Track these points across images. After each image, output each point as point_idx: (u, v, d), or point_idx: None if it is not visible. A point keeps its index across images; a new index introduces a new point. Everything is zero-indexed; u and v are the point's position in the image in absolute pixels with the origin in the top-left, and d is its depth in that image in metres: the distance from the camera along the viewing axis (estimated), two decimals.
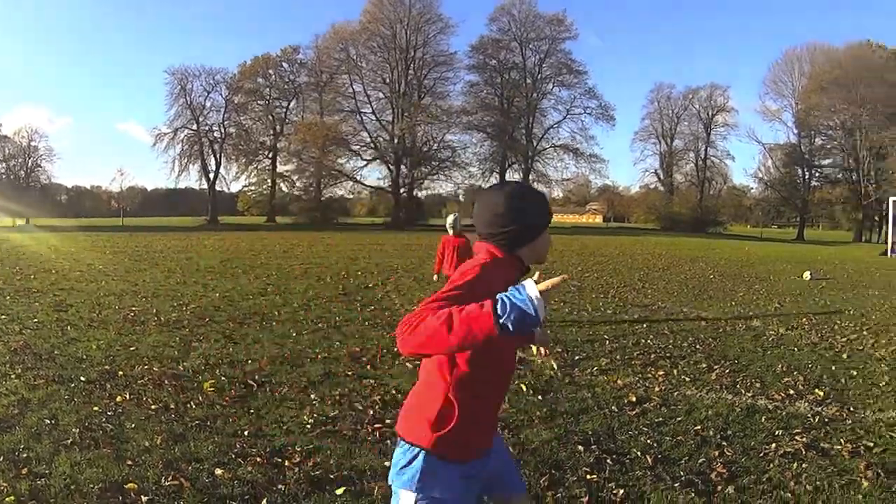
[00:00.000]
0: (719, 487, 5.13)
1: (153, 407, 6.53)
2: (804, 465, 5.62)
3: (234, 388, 7.26)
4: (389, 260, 24.20)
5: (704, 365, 9.22)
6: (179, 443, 5.58)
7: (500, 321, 2.00)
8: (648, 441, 6.08)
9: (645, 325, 12.22)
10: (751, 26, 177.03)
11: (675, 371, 8.82)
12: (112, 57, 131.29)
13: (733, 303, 15.66)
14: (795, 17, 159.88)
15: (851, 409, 7.36)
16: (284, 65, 79.04)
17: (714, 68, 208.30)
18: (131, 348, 9.17)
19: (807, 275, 22.10)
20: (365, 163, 74.63)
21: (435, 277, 11.47)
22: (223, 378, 7.66)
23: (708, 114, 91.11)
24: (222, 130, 76.81)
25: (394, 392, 7.33)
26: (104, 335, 10.03)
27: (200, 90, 76.01)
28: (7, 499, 4.44)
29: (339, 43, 72.74)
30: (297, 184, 76.75)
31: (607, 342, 10.55)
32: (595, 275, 19.29)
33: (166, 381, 7.43)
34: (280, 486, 4.76)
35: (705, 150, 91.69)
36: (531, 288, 2.04)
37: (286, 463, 5.19)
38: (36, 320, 11.19)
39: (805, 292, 18.17)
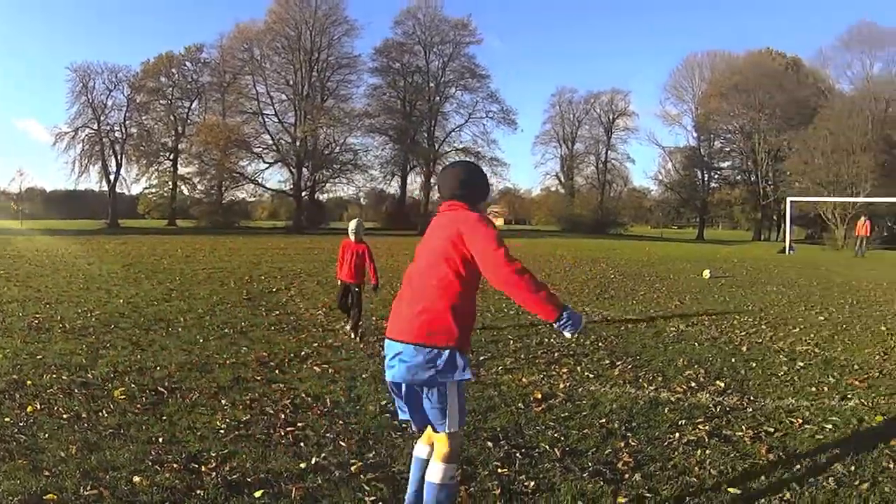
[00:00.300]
0: (626, 475, 5.47)
1: (65, 416, 6.46)
2: (708, 452, 6.02)
3: (144, 396, 7.24)
4: (292, 264, 24.06)
5: (607, 361, 9.63)
6: (95, 452, 5.56)
7: (559, 322, 3.71)
8: (556, 435, 6.39)
9: (548, 326, 12.49)
10: (654, 33, 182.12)
11: (578, 368, 9.20)
12: (11, 49, 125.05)
13: (634, 301, 16.26)
14: (698, 25, 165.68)
15: (751, 398, 7.89)
16: (188, 64, 77.30)
17: (616, 74, 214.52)
18: (38, 357, 8.96)
19: (706, 273, 23.02)
20: (267, 165, 73.77)
21: (339, 282, 11.51)
22: (133, 385, 7.61)
23: (609, 118, 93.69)
24: (123, 130, 74.43)
25: (304, 395, 7.46)
26: (9, 343, 9.76)
27: (102, 88, 73.47)
28: None
29: (243, 43, 71.66)
30: (199, 186, 75.09)
31: (511, 342, 10.91)
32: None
33: (76, 390, 7.35)
34: (199, 492, 4.84)
35: (606, 153, 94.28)
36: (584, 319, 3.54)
37: (203, 468, 5.27)
38: None
39: (705, 290, 18.99)
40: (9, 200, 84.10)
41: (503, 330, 12.00)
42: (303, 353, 9.70)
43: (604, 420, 6.87)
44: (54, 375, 7.99)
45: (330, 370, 8.70)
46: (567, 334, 3.80)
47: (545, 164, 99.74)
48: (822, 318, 14.23)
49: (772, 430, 6.65)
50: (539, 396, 7.67)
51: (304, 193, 72.92)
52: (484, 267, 3.69)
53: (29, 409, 6.64)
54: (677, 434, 6.48)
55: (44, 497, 4.68)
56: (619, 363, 9.51)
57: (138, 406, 6.84)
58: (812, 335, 12.11)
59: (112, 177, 75.62)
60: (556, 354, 10.04)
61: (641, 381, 8.59)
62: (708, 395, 7.97)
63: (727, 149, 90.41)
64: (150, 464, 5.34)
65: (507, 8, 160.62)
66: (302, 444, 5.93)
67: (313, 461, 5.51)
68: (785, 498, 5.07)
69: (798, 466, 5.70)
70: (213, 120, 71.78)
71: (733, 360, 9.92)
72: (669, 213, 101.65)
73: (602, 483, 5.28)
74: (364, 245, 11.28)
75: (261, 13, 74.19)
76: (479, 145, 78.98)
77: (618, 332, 12.04)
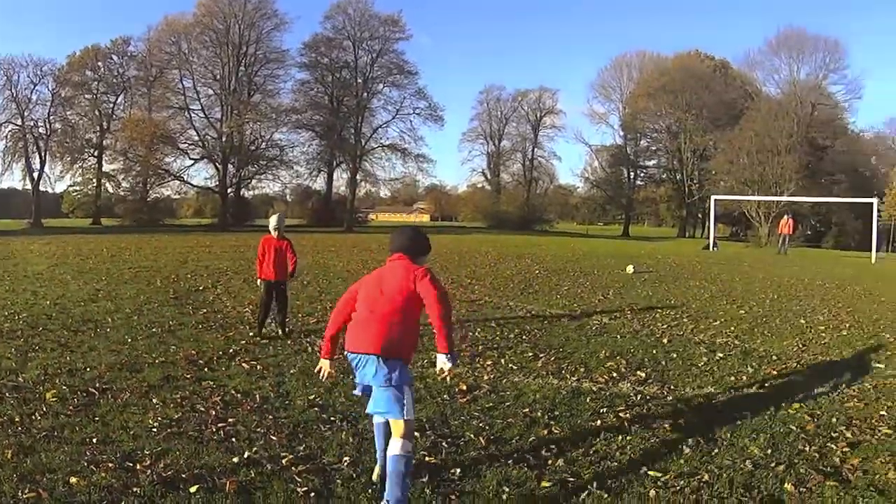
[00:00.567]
0: (549, 461, 5.72)
1: None
2: (628, 438, 6.31)
3: (76, 397, 7.21)
4: (218, 262, 23.77)
5: (531, 354, 9.91)
6: (30, 455, 5.57)
7: (448, 354, 5.08)
8: (481, 425, 6.62)
9: (472, 320, 12.77)
10: (584, 33, 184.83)
11: (502, 361, 9.44)
12: None
13: (558, 296, 16.58)
14: (628, 25, 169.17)
15: (672, 387, 8.25)
16: (114, 57, 74.82)
17: (545, 73, 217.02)
18: None
19: (630, 269, 23.57)
20: (192, 162, 72.02)
21: (259, 282, 11.42)
22: (64, 387, 7.56)
23: (536, 116, 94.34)
24: (48, 126, 71.91)
25: (233, 392, 7.56)
26: None
27: (27, 82, 70.82)
28: None
29: (171, 36, 69.92)
30: (124, 184, 72.95)
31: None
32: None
33: (7, 394, 7.26)
34: (135, 489, 4.93)
35: (533, 150, 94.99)
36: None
37: (137, 466, 5.36)
38: None
39: (628, 285, 19.44)
40: None
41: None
42: (231, 350, 9.75)
43: (527, 409, 7.11)
44: None
45: (258, 367, 8.79)
46: (445, 364, 5.03)
47: (472, 160, 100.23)
48: (743, 311, 14.77)
49: (691, 416, 6.94)
50: (464, 388, 7.88)
51: (229, 190, 71.74)
52: (428, 306, 5.08)
53: None
54: (599, 421, 6.76)
55: None
56: (542, 355, 9.78)
57: (71, 408, 6.83)
58: (732, 328, 12.59)
59: (36, 174, 73.28)
60: (480, 348, 10.25)
61: (564, 372, 8.88)
62: (629, 384, 8.29)
63: (653, 147, 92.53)
64: (85, 464, 5.38)
65: (437, 5, 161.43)
66: (234, 439, 6.06)
67: (245, 455, 5.64)
68: (703, 480, 5.35)
69: (716, 450, 6.02)
70: (138, 115, 70.07)
71: (654, 351, 10.30)
72: (595, 210, 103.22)
73: (526, 469, 5.52)
74: (286, 240, 11.28)
75: (190, 6, 72.33)
76: (406, 142, 78.88)
77: (541, 326, 12.31)
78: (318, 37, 76.10)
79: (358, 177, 76.18)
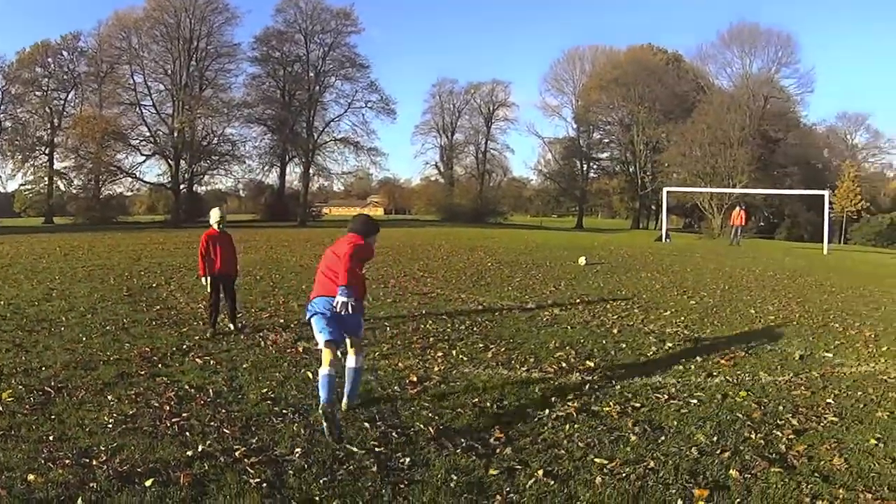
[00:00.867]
0: (498, 450, 5.85)
1: None
2: (576, 426, 6.46)
3: (32, 396, 7.20)
4: (171, 258, 23.51)
5: (481, 345, 10.03)
6: None
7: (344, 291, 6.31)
8: (430, 415, 6.74)
9: (424, 312, 12.84)
10: (536, 26, 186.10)
11: (453, 352, 9.56)
12: None
13: (510, 288, 16.70)
14: (581, 18, 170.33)
15: (620, 376, 8.36)
16: (64, 53, 73.43)
17: (498, 65, 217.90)
18: None
19: (582, 260, 23.71)
20: (144, 158, 70.95)
21: (204, 281, 11.14)
22: (20, 387, 7.53)
23: (489, 108, 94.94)
24: None
25: (187, 387, 7.62)
26: None
27: None
28: None
29: (121, 31, 68.72)
30: (76, 181, 71.70)
31: (388, 328, 11.18)
32: (375, 266, 19.75)
33: None
34: (92, 485, 5.03)
35: (485, 143, 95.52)
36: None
37: (94, 462, 5.45)
38: None
39: (580, 276, 19.62)
40: None
41: (380, 317, 12.18)
42: (184, 346, 9.76)
43: (477, 400, 7.23)
44: None
45: (212, 362, 8.82)
46: (340, 296, 6.30)
47: (425, 153, 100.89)
48: (694, 302, 15.01)
49: (639, 405, 7.14)
50: (414, 379, 8.00)
51: (182, 186, 70.97)
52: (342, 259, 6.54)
53: None
54: (547, 411, 6.89)
55: None
56: (492, 346, 9.91)
57: (27, 407, 6.82)
58: (682, 318, 12.82)
59: None
60: (431, 340, 10.36)
61: (514, 362, 9.01)
62: (578, 374, 8.44)
63: (606, 140, 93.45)
64: (42, 461, 5.43)
65: None
66: (187, 433, 6.14)
67: (199, 449, 5.72)
68: (649, 467, 5.49)
69: (663, 438, 6.17)
70: (89, 112, 68.88)
71: (604, 341, 10.46)
72: (549, 202, 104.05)
73: (474, 457, 5.65)
74: (228, 234, 11.22)
75: (140, 0, 71.18)
76: (359, 135, 78.76)
77: (492, 318, 12.42)
78: (269, 30, 75.73)
79: (311, 171, 76.10)
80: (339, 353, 6.72)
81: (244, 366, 8.60)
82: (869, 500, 5.00)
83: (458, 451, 5.77)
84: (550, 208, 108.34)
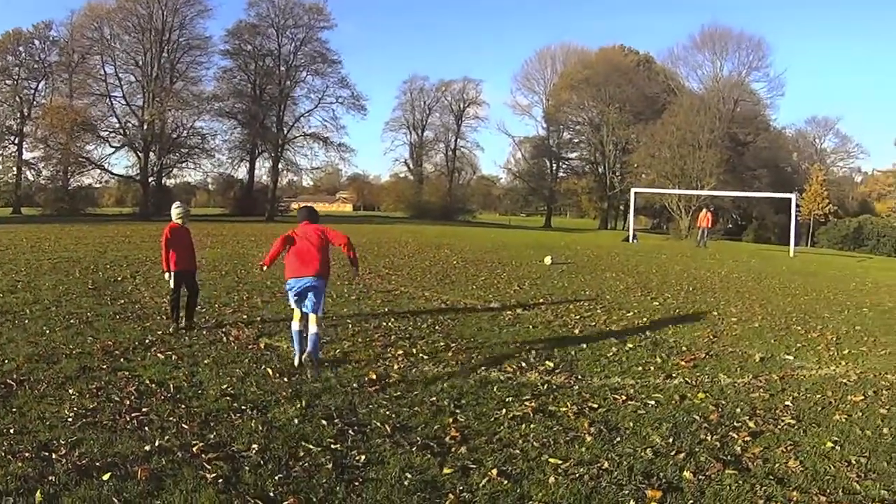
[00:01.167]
0: (453, 448, 5.90)
1: None
2: (532, 426, 6.50)
3: None
4: (138, 251, 23.33)
5: (442, 344, 10.09)
6: None
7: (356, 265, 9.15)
8: (387, 413, 6.78)
9: (387, 310, 12.83)
10: (509, 25, 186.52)
11: (413, 350, 9.61)
12: None
13: (474, 286, 16.76)
14: (555, 18, 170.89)
15: (579, 376, 8.49)
16: (36, 42, 72.39)
17: (470, 63, 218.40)
18: None
19: (548, 260, 23.81)
20: (113, 150, 70.13)
21: (168, 276, 10.84)
22: None
23: (460, 106, 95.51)
24: None
25: (148, 382, 7.60)
26: None
27: None
28: None
29: (93, 21, 67.78)
30: (44, 172, 70.75)
31: (350, 326, 11.20)
32: (340, 263, 19.73)
33: None
34: (51, 478, 5.05)
35: (455, 140, 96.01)
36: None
37: (53, 455, 5.47)
38: None
39: (545, 276, 19.72)
40: None
41: (343, 315, 12.17)
42: (147, 340, 9.71)
43: (434, 398, 7.28)
44: None
45: (173, 357, 8.80)
46: (355, 272, 9.22)
47: (395, 150, 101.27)
48: (657, 303, 15.14)
49: (596, 405, 7.21)
50: (374, 377, 8.03)
51: (150, 179, 70.37)
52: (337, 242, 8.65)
53: None
54: (504, 410, 6.94)
55: None
56: (453, 345, 9.97)
57: None
58: (645, 319, 12.94)
59: None
60: (392, 338, 10.38)
61: (474, 361, 9.05)
62: (537, 374, 8.50)
63: (576, 140, 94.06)
64: (2, 454, 5.44)
65: None
66: (147, 428, 6.16)
67: (157, 443, 5.74)
68: (603, 467, 5.55)
69: (618, 439, 6.23)
70: (59, 102, 68.10)
71: (565, 342, 10.54)
72: (518, 201, 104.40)
73: (429, 456, 5.68)
74: (188, 229, 11.15)
75: None
76: (329, 130, 78.53)
77: (455, 316, 12.46)
78: (241, 24, 75.15)
79: (280, 166, 75.74)
80: (302, 311, 8.53)
81: (205, 361, 8.59)
82: (823, 503, 5.07)
83: (413, 449, 5.80)
84: (519, 207, 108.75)
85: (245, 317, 11.66)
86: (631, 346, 10.38)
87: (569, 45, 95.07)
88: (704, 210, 42.57)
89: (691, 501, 5.02)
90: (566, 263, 23.90)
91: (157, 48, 68.48)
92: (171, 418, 6.38)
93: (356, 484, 5.10)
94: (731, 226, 72.52)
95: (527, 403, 7.12)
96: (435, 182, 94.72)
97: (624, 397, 7.50)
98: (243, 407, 6.76)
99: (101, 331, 10.29)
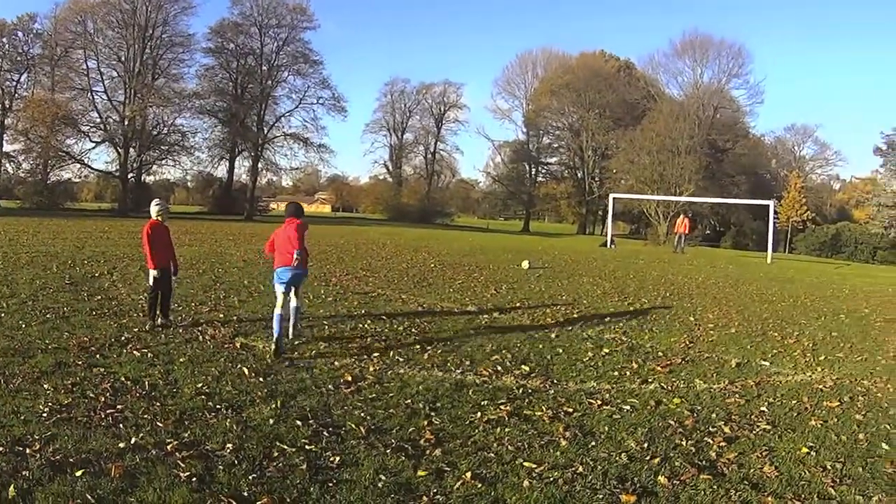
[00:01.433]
0: (427, 451, 5.90)
1: None
2: (507, 430, 6.51)
3: None
4: (116, 248, 23.15)
5: (418, 346, 10.09)
6: None
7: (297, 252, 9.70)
8: (362, 414, 6.78)
9: (363, 312, 12.83)
10: (492, 29, 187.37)
11: (390, 352, 9.61)
12: None
13: (451, 290, 16.77)
14: (537, 23, 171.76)
15: (555, 381, 8.51)
16: (19, 34, 71.85)
17: (451, 67, 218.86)
18: None
19: (525, 264, 23.87)
20: (94, 145, 69.70)
21: (155, 273, 10.72)
22: None
23: (440, 109, 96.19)
24: None
25: (123, 379, 7.58)
26: None
27: None
28: None
29: (77, 14, 67.32)
30: (24, 165, 70.20)
31: (326, 327, 11.22)
32: (318, 264, 19.65)
33: None
34: (24, 473, 5.06)
35: (435, 143, 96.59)
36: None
37: (27, 451, 5.47)
38: None
39: (522, 280, 19.77)
40: None
41: (319, 316, 12.17)
42: (123, 337, 9.69)
43: (409, 401, 7.28)
44: None
45: (149, 354, 8.79)
46: (296, 256, 9.55)
47: (374, 152, 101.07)
48: (634, 308, 15.20)
49: (571, 410, 7.23)
50: (349, 379, 8.03)
51: (130, 175, 69.98)
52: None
53: None
54: (479, 414, 6.95)
55: None
56: (429, 348, 9.97)
57: None
58: (621, 324, 12.98)
59: None
60: (368, 340, 10.39)
61: (449, 364, 9.07)
62: (513, 378, 8.52)
63: (555, 145, 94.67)
64: None
65: None
66: (121, 425, 6.15)
67: (132, 441, 5.73)
68: (578, 472, 5.56)
69: (593, 443, 6.25)
70: (41, 95, 67.64)
71: (541, 346, 10.58)
72: (496, 204, 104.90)
73: (404, 458, 5.69)
74: (167, 226, 11.10)
75: None
76: (309, 131, 78.61)
77: (431, 319, 12.48)
78: (225, 22, 75.04)
79: (259, 165, 75.65)
80: (287, 297, 9.90)
81: (181, 360, 8.58)
82: None
83: (387, 451, 5.80)
84: (498, 211, 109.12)
85: (221, 316, 11.63)
86: (607, 350, 10.41)
87: (550, 50, 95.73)
88: (682, 216, 42.83)
89: None
90: (543, 268, 23.97)
91: (139, 44, 68.16)
92: (145, 416, 6.36)
93: (330, 485, 5.10)
94: (709, 232, 72.91)
95: (502, 407, 7.13)
96: (414, 185, 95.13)
97: (599, 402, 7.51)
98: (218, 406, 6.75)
99: (78, 326, 10.28)
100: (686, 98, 75.75)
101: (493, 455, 5.81)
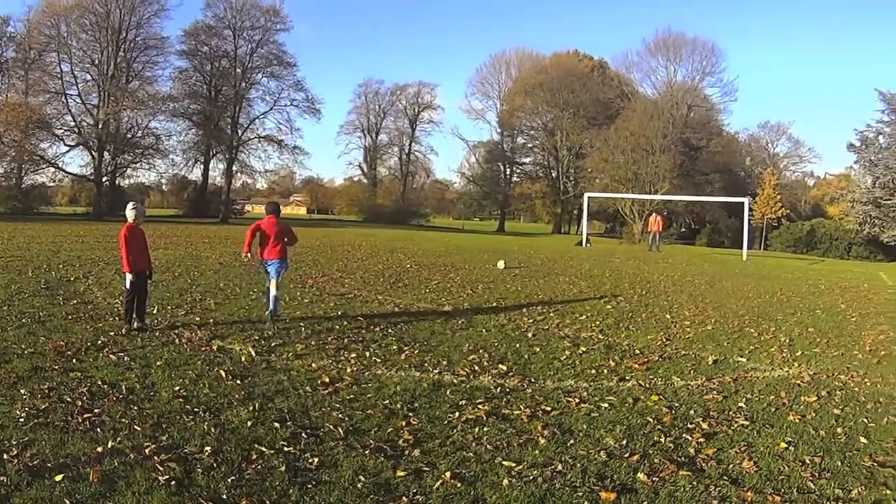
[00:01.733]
0: (406, 451, 5.89)
1: None
2: (485, 429, 6.51)
3: None
4: (91, 251, 22.95)
5: (395, 347, 10.08)
6: None
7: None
8: (340, 416, 6.77)
9: (340, 313, 12.81)
10: (466, 29, 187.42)
11: (367, 353, 9.59)
12: None
13: (427, 290, 16.80)
14: (510, 24, 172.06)
15: (532, 380, 8.53)
16: None
17: (424, 68, 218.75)
18: None
19: (500, 264, 23.91)
20: (68, 148, 69.17)
21: (131, 276, 10.69)
22: None
23: (414, 110, 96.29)
24: None
25: (100, 383, 7.53)
26: None
27: None
28: None
29: (51, 17, 66.69)
30: None
31: (303, 329, 11.16)
32: (293, 265, 19.60)
33: None
34: (2, 478, 5.02)
35: (410, 144, 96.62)
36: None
37: (5, 456, 5.44)
38: None
39: (498, 280, 19.81)
40: None
41: (296, 318, 12.15)
42: (99, 341, 9.60)
43: (387, 401, 7.27)
44: None
45: (126, 358, 8.71)
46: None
47: (349, 153, 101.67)
48: (610, 306, 15.29)
49: (549, 408, 7.24)
50: (327, 380, 8.02)
51: (104, 179, 69.51)
52: (289, 239, 11.92)
53: None
54: (457, 413, 6.95)
55: None
56: (406, 348, 9.96)
57: None
58: (598, 322, 13.05)
59: None
60: (345, 341, 10.36)
61: (427, 364, 9.06)
62: (490, 377, 8.54)
63: (530, 145, 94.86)
64: None
65: None
66: (99, 429, 6.11)
67: (109, 445, 5.68)
68: (557, 470, 5.56)
69: (572, 441, 6.27)
70: (15, 99, 67.02)
71: (518, 345, 10.60)
72: (472, 205, 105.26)
73: (383, 458, 5.68)
74: (141, 229, 11.01)
75: None
76: (283, 133, 78.53)
77: (408, 320, 12.50)
78: (198, 24, 74.69)
79: (234, 167, 75.47)
80: (272, 280, 11.49)
81: (158, 363, 8.52)
82: (777, 503, 5.14)
83: (366, 452, 5.79)
84: (473, 211, 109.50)
85: (198, 319, 11.56)
86: (584, 349, 10.45)
87: (523, 50, 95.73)
88: (654, 214, 43.10)
89: (646, 503, 5.05)
90: (519, 268, 24.05)
91: (113, 47, 67.69)
92: (123, 420, 6.32)
93: (309, 486, 5.08)
94: (684, 230, 73.33)
95: (480, 406, 7.13)
96: (389, 186, 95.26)
97: (577, 400, 7.54)
98: (196, 409, 6.71)
99: (54, 331, 10.18)
100: (660, 97, 76.06)
101: (471, 454, 5.81)
